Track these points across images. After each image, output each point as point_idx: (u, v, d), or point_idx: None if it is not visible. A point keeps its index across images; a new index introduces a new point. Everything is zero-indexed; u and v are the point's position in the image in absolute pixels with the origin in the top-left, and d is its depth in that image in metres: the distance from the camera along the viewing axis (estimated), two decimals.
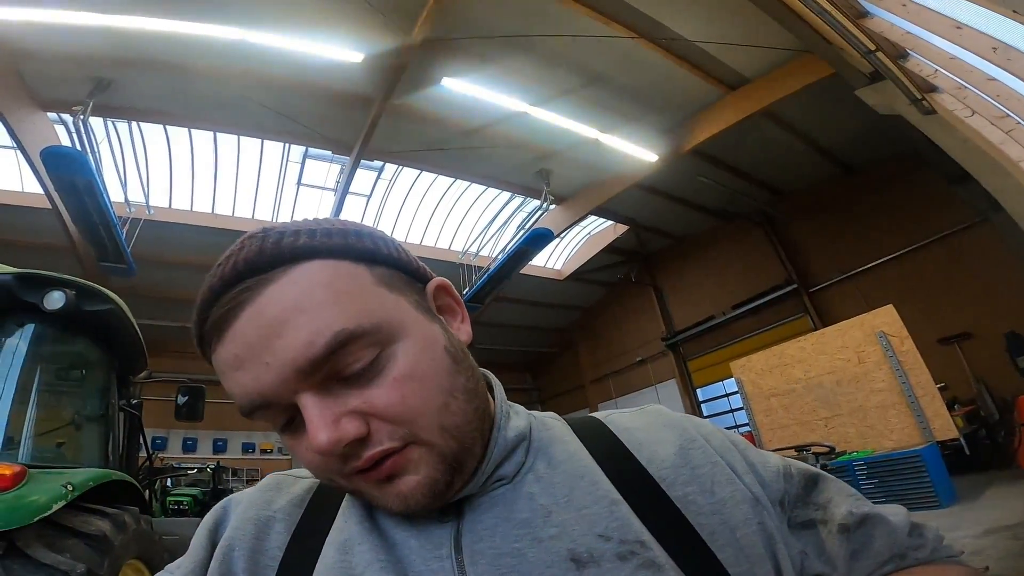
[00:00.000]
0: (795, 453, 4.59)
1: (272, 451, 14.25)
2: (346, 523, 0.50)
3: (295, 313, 0.40)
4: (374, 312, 0.43)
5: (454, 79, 7.49)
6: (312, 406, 0.41)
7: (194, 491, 5.93)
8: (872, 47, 4.23)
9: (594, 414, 0.60)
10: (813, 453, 4.43)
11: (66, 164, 6.14)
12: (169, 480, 5.98)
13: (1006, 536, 3.89)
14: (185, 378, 3.89)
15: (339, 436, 0.40)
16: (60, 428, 2.84)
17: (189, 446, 13.10)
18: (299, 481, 0.57)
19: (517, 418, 0.54)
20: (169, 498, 5.51)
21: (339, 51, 6.64)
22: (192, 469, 7.19)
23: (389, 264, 0.47)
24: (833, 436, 6.44)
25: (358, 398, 0.41)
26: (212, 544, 0.51)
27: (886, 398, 6.41)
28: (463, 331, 0.52)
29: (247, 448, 14.00)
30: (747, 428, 8.69)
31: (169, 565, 0.51)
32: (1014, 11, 2.12)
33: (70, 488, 2.22)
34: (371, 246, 0.47)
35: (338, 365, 0.41)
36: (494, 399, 0.55)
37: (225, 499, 0.57)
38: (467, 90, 7.68)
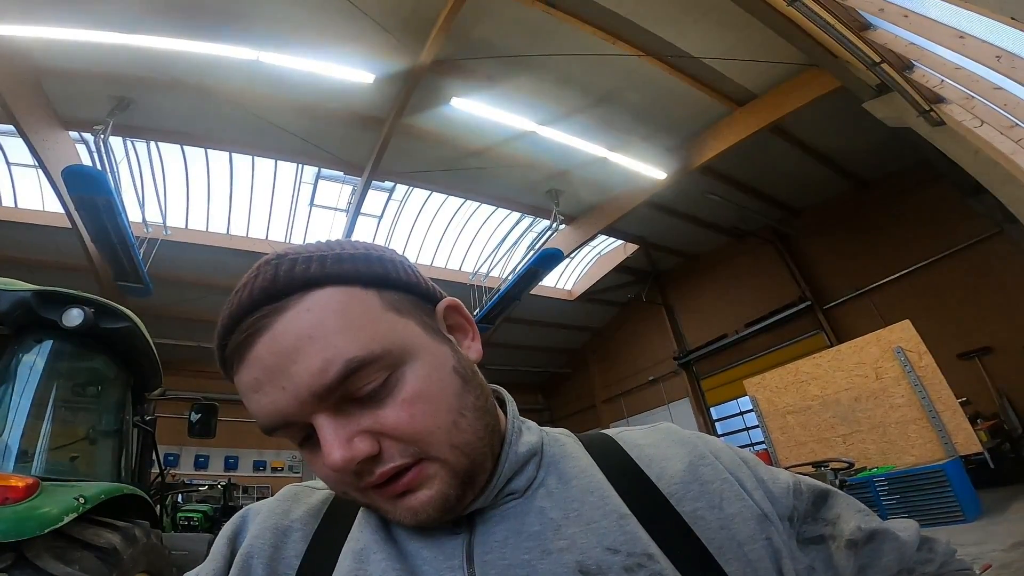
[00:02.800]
0: (812, 470, 4.48)
1: (283, 469, 14.21)
2: (362, 533, 0.51)
3: (308, 341, 0.42)
4: (384, 337, 0.44)
5: (463, 99, 7.60)
6: (326, 426, 0.43)
7: (205, 507, 5.92)
8: (877, 59, 4.24)
9: (605, 431, 0.61)
10: (831, 469, 4.31)
11: (87, 183, 6.27)
12: (180, 496, 5.98)
13: None
14: (199, 396, 3.92)
15: (352, 455, 0.42)
16: (75, 442, 2.86)
17: (201, 463, 13.14)
18: (316, 492, 0.59)
19: (529, 433, 0.55)
20: (180, 513, 5.51)
21: (350, 72, 6.79)
22: (203, 486, 7.19)
23: (399, 288, 0.49)
24: (852, 452, 6.32)
25: (370, 418, 0.43)
26: (231, 552, 0.53)
27: (906, 414, 6.29)
28: (473, 349, 0.54)
29: (258, 466, 13.98)
30: (763, 446, 8.53)
31: (187, 573, 0.52)
32: (1013, 18, 2.11)
33: (82, 501, 2.23)
34: (381, 271, 0.48)
35: (350, 388, 0.43)
36: (506, 415, 0.56)
37: (244, 509, 0.59)
38: (476, 110, 7.79)
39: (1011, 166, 3.82)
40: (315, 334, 0.42)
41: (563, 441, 0.58)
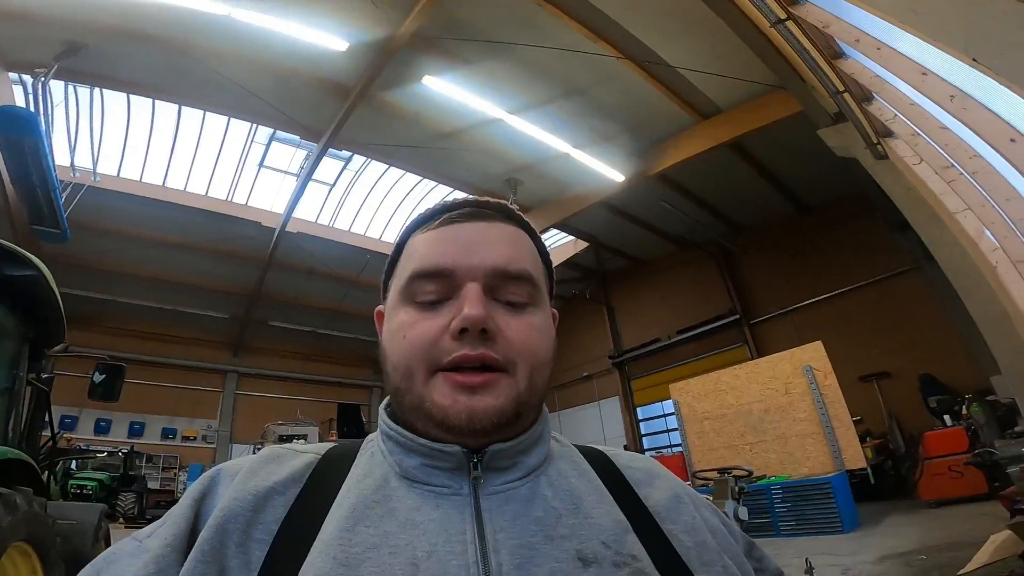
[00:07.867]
0: (717, 475, 4.74)
1: (195, 438, 13.52)
2: (347, 499, 0.50)
3: (507, 244, 0.57)
4: (540, 279, 0.59)
5: (435, 78, 7.46)
6: (476, 290, 0.52)
7: (101, 475, 5.53)
8: (841, 88, 4.30)
9: (599, 447, 0.67)
10: (733, 476, 4.57)
11: (15, 124, 5.96)
12: (74, 462, 5.55)
13: (899, 563, 4.12)
14: (105, 355, 3.64)
15: (485, 315, 0.50)
16: None
17: (102, 428, 12.25)
18: (299, 455, 0.57)
19: (547, 425, 0.63)
20: (72, 481, 5.10)
21: (325, 37, 6.53)
22: (102, 452, 6.76)
23: (549, 273, 0.64)
24: (756, 461, 6.72)
25: (502, 318, 0.53)
26: (195, 515, 0.50)
27: (806, 427, 6.76)
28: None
29: (168, 433, 13.29)
30: (679, 449, 8.93)
31: (137, 532, 0.49)
32: (974, 59, 2.18)
33: None
34: (546, 251, 0.65)
35: (507, 289, 0.54)
36: None
37: (214, 469, 0.56)
38: (447, 91, 7.67)
39: (937, 205, 3.95)
40: (512, 242, 0.57)
41: (565, 443, 0.64)
